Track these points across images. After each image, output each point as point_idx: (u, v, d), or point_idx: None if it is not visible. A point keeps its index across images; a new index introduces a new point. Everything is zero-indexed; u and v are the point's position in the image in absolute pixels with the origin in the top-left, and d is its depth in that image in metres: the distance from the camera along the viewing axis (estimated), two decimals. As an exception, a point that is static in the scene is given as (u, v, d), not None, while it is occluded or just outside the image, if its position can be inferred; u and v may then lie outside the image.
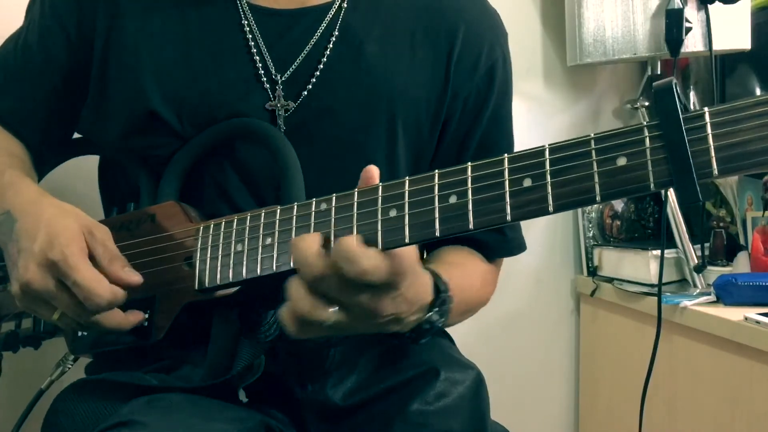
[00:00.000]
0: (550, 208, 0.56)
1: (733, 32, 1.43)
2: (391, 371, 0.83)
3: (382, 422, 0.78)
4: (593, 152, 0.55)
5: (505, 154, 0.59)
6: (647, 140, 0.53)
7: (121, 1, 0.86)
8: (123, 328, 0.77)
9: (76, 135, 1.01)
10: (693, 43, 1.42)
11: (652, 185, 0.52)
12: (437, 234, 0.60)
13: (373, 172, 0.66)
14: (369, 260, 0.60)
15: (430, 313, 0.72)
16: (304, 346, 0.85)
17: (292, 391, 0.85)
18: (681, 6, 1.39)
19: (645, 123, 0.54)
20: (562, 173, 0.56)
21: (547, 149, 0.57)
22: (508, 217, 0.57)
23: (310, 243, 0.63)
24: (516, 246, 0.98)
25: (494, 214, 0.58)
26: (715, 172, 0.50)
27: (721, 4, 1.40)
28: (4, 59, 0.93)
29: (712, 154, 0.50)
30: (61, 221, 0.74)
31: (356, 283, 0.61)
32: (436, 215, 0.60)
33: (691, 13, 1.42)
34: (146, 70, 0.84)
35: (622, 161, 0.53)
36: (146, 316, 0.79)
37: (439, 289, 0.73)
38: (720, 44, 1.43)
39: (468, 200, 0.59)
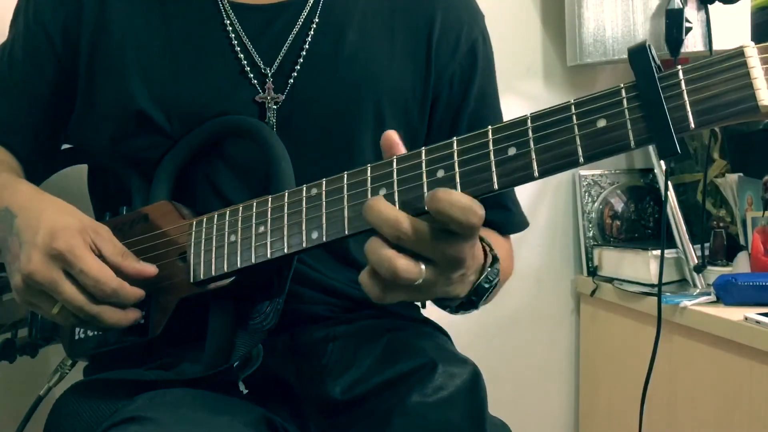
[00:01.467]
0: (536, 174, 0.58)
1: (733, 32, 1.43)
2: (389, 365, 0.83)
3: (382, 415, 0.78)
4: (573, 117, 0.56)
5: (489, 126, 0.60)
6: (625, 101, 0.55)
7: (105, 6, 0.87)
8: (122, 324, 0.77)
9: (64, 146, 1.01)
10: (693, 43, 1.42)
11: (632, 143, 0.54)
12: (426, 209, 0.61)
13: (393, 136, 0.65)
14: (480, 208, 0.58)
15: (489, 269, 0.70)
16: (303, 340, 0.86)
17: (292, 385, 0.86)
18: (681, 6, 1.39)
19: (622, 84, 0.55)
20: (544, 139, 0.57)
21: (529, 118, 0.58)
22: (495, 186, 0.59)
23: (386, 203, 0.61)
24: (522, 221, 1.01)
25: (481, 183, 0.60)
26: (692, 125, 0.52)
27: (721, 4, 1.40)
28: None
29: (688, 108, 0.52)
30: (61, 218, 0.75)
31: (446, 234, 0.59)
32: (425, 191, 0.62)
33: (691, 13, 1.42)
34: (132, 72, 0.85)
35: (602, 123, 0.55)
36: (143, 313, 0.79)
37: (490, 247, 0.72)
38: (720, 44, 1.43)
39: (455, 173, 0.61)
